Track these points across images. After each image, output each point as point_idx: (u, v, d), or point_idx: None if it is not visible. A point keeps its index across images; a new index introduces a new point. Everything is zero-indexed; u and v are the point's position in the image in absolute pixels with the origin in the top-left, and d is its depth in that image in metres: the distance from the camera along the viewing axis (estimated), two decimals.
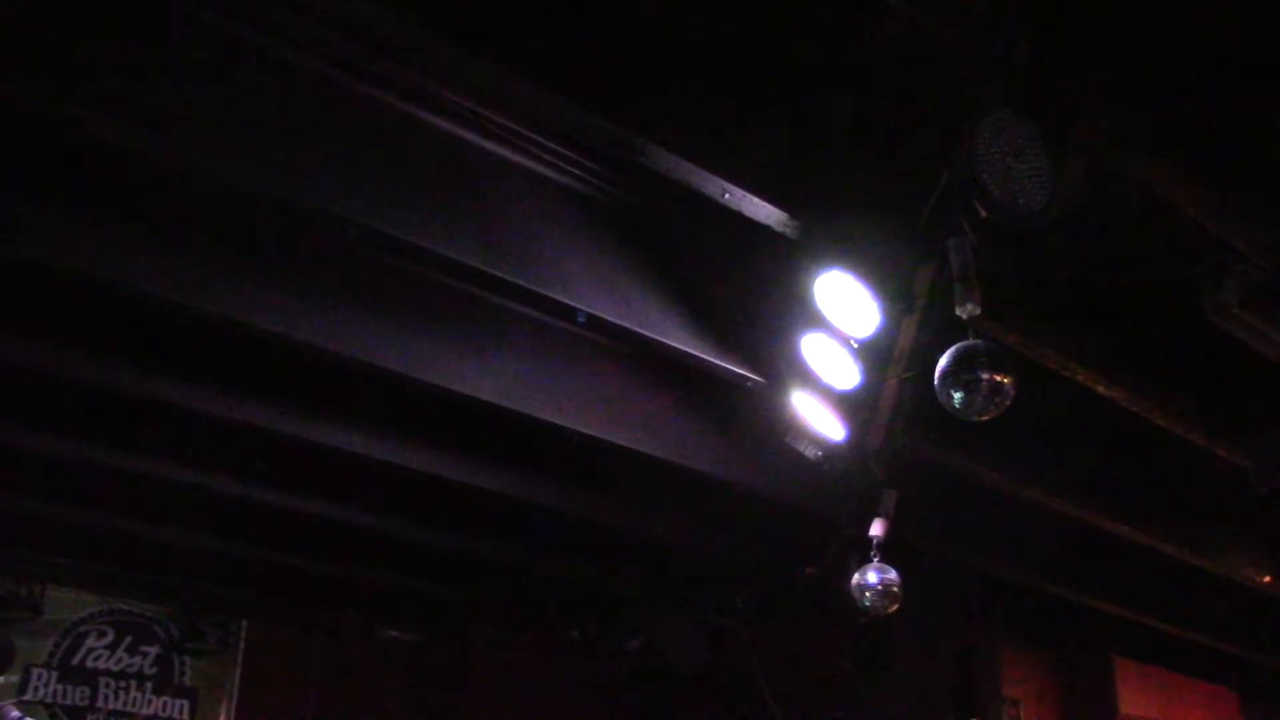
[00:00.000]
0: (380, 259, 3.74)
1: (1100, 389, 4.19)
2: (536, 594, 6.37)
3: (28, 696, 5.90)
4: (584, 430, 4.24)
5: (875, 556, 4.49)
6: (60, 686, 6.09)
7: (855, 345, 3.67)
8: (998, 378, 3.06)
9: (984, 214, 2.95)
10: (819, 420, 4.10)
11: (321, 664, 6.92)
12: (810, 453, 4.24)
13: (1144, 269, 3.80)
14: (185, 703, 6.46)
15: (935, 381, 3.15)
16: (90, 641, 6.25)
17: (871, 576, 4.47)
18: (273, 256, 3.63)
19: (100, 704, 6.18)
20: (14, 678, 5.90)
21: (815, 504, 4.78)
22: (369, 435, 4.39)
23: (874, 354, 3.73)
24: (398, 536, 5.43)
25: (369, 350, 3.80)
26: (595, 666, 6.69)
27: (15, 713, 3.01)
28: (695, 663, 6.03)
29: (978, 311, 3.17)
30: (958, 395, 3.11)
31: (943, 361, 3.13)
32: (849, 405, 3.99)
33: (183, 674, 6.50)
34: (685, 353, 3.96)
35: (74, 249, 3.30)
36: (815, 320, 3.66)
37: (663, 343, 3.92)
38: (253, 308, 3.59)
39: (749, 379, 4.10)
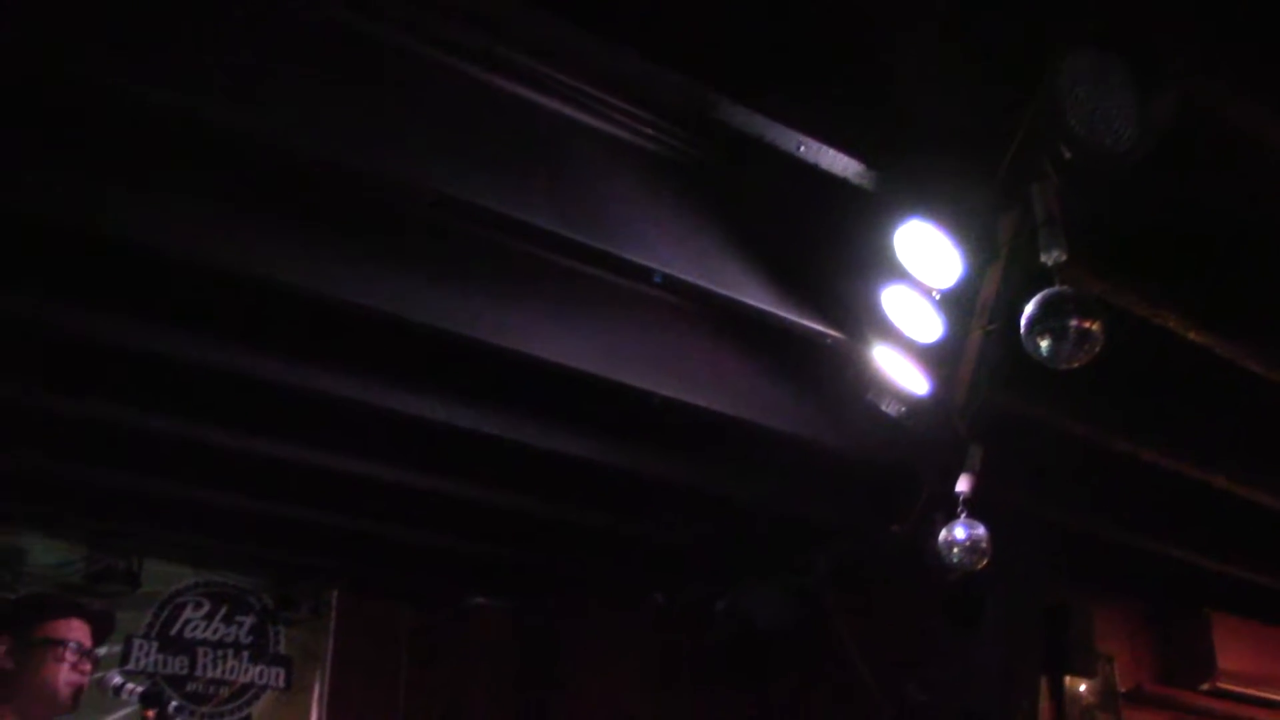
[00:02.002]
0: (453, 225, 3.75)
1: (1192, 336, 4.07)
2: (622, 559, 6.39)
3: (130, 666, 6.05)
4: (664, 393, 4.22)
5: (962, 512, 4.42)
6: (160, 656, 6.24)
7: (937, 296, 3.60)
8: (1086, 324, 2.98)
9: (1068, 156, 2.87)
10: (901, 375, 4.04)
11: (411, 632, 7.02)
12: (893, 409, 4.18)
13: (1237, 211, 3.67)
14: (281, 670, 6.59)
15: (1021, 330, 3.08)
16: (188, 613, 6.41)
17: (959, 532, 4.41)
18: (347, 227, 3.65)
19: (199, 673, 6.33)
20: (116, 648, 6.05)
21: (900, 461, 4.73)
22: (449, 403, 4.42)
23: (957, 305, 3.66)
24: (482, 503, 5.48)
25: (444, 318, 3.81)
26: (681, 630, 6.69)
27: (117, 679, 3.09)
28: (781, 624, 6.01)
29: (1063, 258, 3.08)
30: (1045, 343, 3.03)
31: (1029, 309, 3.05)
32: (932, 359, 3.92)
33: (277, 643, 6.63)
34: (763, 311, 3.91)
35: (153, 225, 3.35)
36: (895, 272, 3.60)
37: (740, 301, 3.88)
38: (329, 279, 3.61)
39: (829, 335, 4.04)
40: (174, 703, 2.94)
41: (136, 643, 6.18)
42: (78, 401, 4.41)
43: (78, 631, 3.16)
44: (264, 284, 3.57)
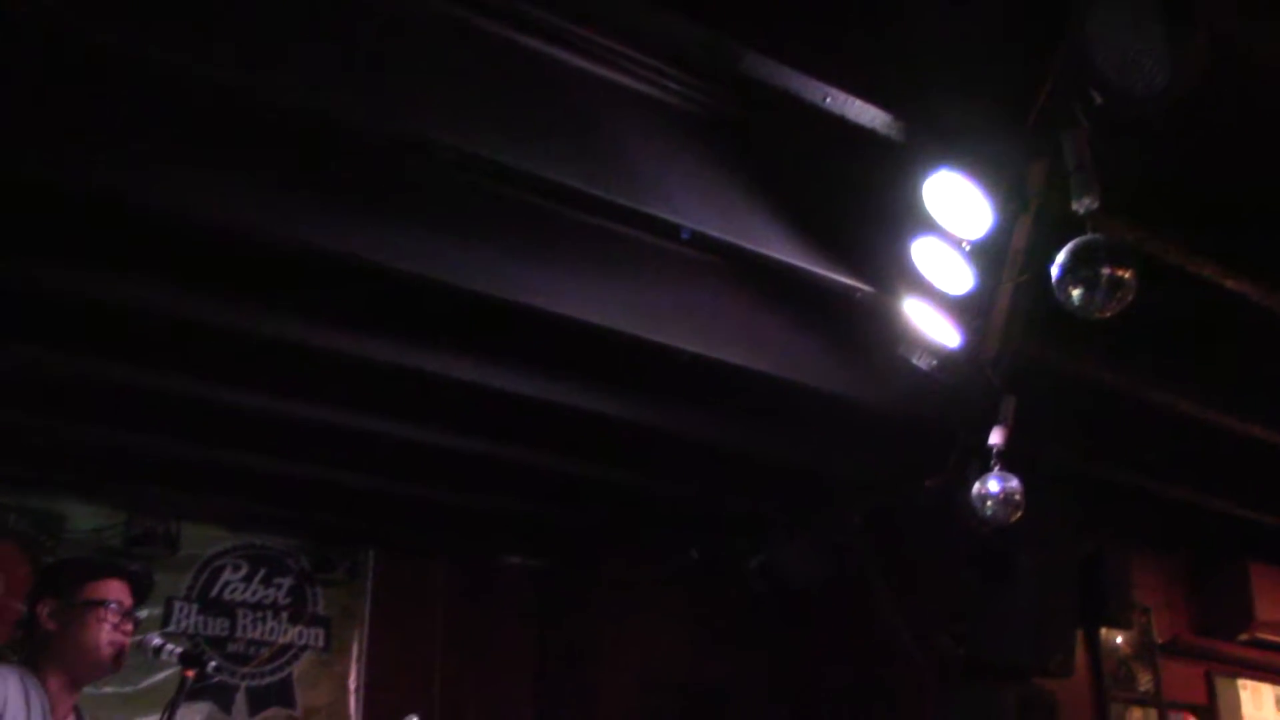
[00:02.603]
0: (478, 184, 3.74)
1: (1228, 284, 4.02)
2: (656, 517, 6.41)
3: (171, 628, 6.14)
4: (692, 350, 4.22)
5: (995, 465, 4.41)
6: (201, 618, 6.33)
7: (968, 248, 3.57)
8: (1118, 272, 2.95)
9: (1099, 101, 2.83)
10: (933, 328, 4.02)
11: (447, 591, 7.08)
12: (925, 362, 4.16)
13: (1275, 156, 3.61)
14: (320, 630, 6.67)
15: (1053, 279, 3.05)
16: (226, 575, 6.48)
17: (993, 485, 4.39)
18: (377, 192, 3.65)
19: (240, 634, 6.42)
20: (157, 610, 6.14)
21: (932, 415, 4.71)
22: (481, 363, 4.43)
23: (988, 256, 3.63)
24: (515, 463, 5.50)
25: (475, 279, 3.82)
26: (716, 586, 6.72)
27: (157, 640, 3.14)
28: (815, 579, 6.02)
29: (1095, 206, 3.05)
30: (1077, 292, 3.01)
31: (1060, 258, 3.03)
32: (963, 311, 3.89)
33: (316, 604, 6.70)
34: (791, 265, 3.89)
35: (188, 194, 3.37)
36: (925, 224, 3.57)
37: (768, 256, 3.86)
38: (362, 243, 3.62)
39: (858, 289, 4.02)
40: (213, 662, 2.97)
41: (177, 605, 6.27)
42: (115, 369, 4.46)
43: (118, 592, 3.20)
44: (299, 250, 3.59)
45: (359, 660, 6.70)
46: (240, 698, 6.28)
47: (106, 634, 3.14)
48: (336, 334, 4.16)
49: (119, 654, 3.17)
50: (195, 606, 6.33)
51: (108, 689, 5.56)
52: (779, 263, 3.90)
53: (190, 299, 3.90)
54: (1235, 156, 3.61)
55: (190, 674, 3.02)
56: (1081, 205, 3.03)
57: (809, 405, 4.70)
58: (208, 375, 4.55)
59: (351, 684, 6.64)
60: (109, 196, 3.34)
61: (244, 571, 6.53)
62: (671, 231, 3.80)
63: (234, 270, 3.87)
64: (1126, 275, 2.97)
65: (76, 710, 3.21)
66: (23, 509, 6.03)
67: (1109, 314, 3.05)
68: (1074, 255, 2.99)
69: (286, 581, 6.64)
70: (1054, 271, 3.05)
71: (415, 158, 3.60)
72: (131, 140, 3.23)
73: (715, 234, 3.76)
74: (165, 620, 6.16)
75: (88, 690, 3.25)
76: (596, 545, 6.96)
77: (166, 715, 2.92)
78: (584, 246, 3.99)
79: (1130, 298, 3.01)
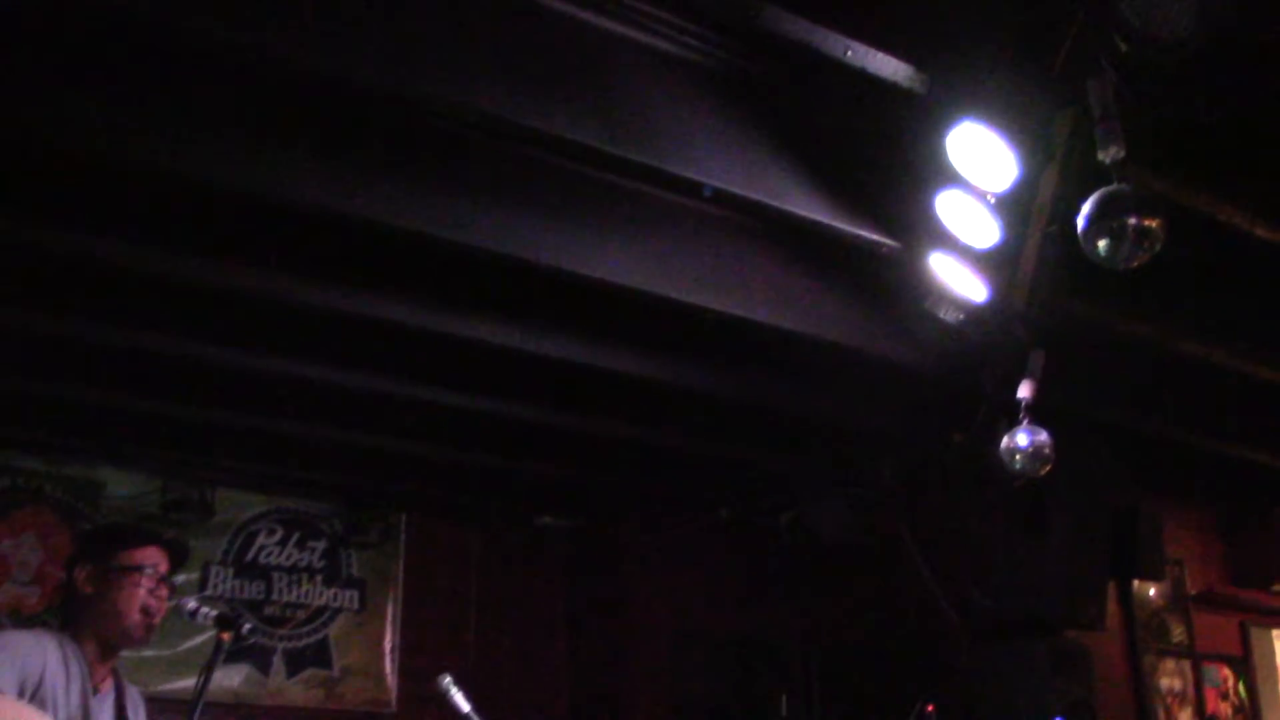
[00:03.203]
0: (504, 148, 3.74)
1: (1259, 231, 3.98)
2: (685, 476, 6.43)
3: (208, 592, 6.24)
4: (719, 308, 4.21)
5: (1024, 419, 4.39)
6: (237, 582, 6.41)
7: (993, 200, 3.55)
8: (1145, 222, 2.92)
9: (1124, 49, 2.79)
10: (959, 282, 4.00)
11: (480, 552, 7.14)
12: (951, 317, 4.15)
13: None
14: (355, 592, 6.75)
15: (1079, 230, 3.03)
16: (261, 539, 6.56)
17: (1021, 439, 4.37)
18: (400, 157, 3.65)
19: (276, 597, 6.50)
20: (194, 575, 6.23)
21: (960, 369, 4.69)
22: (508, 326, 4.44)
23: (1013, 208, 3.61)
24: (545, 425, 5.52)
25: (500, 241, 3.82)
26: (746, 544, 6.75)
27: (192, 604, 3.18)
28: (845, 535, 6.03)
29: (1121, 155, 3.01)
30: (1103, 243, 2.98)
31: (1086, 208, 3.00)
32: (989, 264, 3.87)
33: (350, 566, 6.78)
34: (816, 221, 3.88)
35: (221, 164, 3.40)
36: (949, 177, 3.55)
37: (792, 212, 3.85)
38: (388, 208, 3.63)
39: (883, 244, 4.00)
40: (248, 625, 3.01)
41: (213, 569, 6.35)
42: (150, 337, 4.50)
43: (154, 558, 3.24)
44: (330, 217, 3.61)
45: (393, 621, 6.78)
46: (277, 659, 6.37)
47: (141, 599, 3.18)
48: (366, 300, 4.18)
49: (154, 619, 3.21)
50: (231, 571, 6.41)
51: (148, 652, 5.64)
52: (803, 219, 3.88)
53: (224, 268, 3.94)
54: (1266, 103, 3.55)
55: (226, 636, 3.06)
56: (1107, 155, 3.00)
57: (836, 362, 4.70)
58: (241, 342, 4.59)
59: (387, 644, 6.72)
60: (147, 169, 3.37)
61: (278, 536, 6.61)
62: (694, 190, 3.78)
63: (266, 239, 3.89)
64: (1154, 225, 2.94)
65: (115, 673, 3.26)
66: (60, 477, 6.11)
67: (1136, 264, 3.03)
68: (1100, 205, 2.96)
69: (320, 545, 6.72)
70: (1080, 222, 3.03)
71: (438, 121, 3.60)
72: (157, 110, 3.25)
73: (738, 191, 3.75)
74: (202, 585, 6.25)
75: (128, 654, 3.30)
76: (627, 505, 6.99)
77: (203, 677, 2.97)
78: (608, 208, 3.99)
79: (1158, 247, 2.98)
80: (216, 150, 3.38)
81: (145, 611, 3.18)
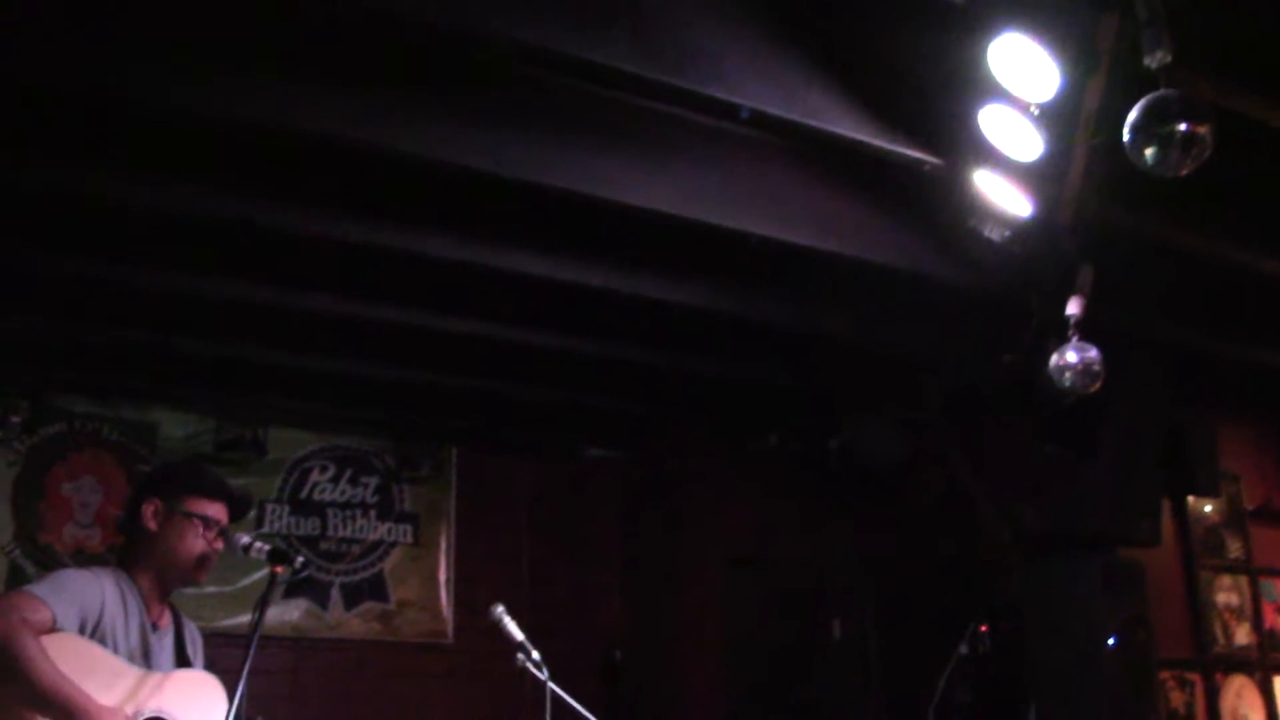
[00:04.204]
0: (534, 76, 3.70)
1: None
2: (733, 403, 6.42)
3: (264, 529, 6.35)
4: (760, 232, 4.18)
5: (1074, 335, 4.33)
6: (293, 519, 6.52)
7: (1037, 112, 3.47)
8: (1193, 128, 2.84)
9: None
10: (1003, 198, 3.93)
11: (530, 484, 7.20)
12: (997, 234, 4.09)
13: None
14: (408, 527, 6.84)
15: (1125, 139, 2.95)
16: (314, 476, 6.66)
17: (1071, 356, 4.31)
18: (439, 89, 3.64)
19: (331, 533, 6.61)
20: (251, 513, 6.34)
21: (1007, 287, 4.63)
22: (550, 257, 4.44)
23: (1058, 120, 3.52)
24: (592, 356, 5.54)
25: (539, 171, 3.81)
26: (796, 470, 6.74)
27: (245, 539, 3.22)
28: (895, 458, 6.01)
29: (1169, 59, 2.92)
30: (1150, 151, 2.91)
31: (1132, 116, 2.92)
32: (1035, 178, 3.80)
33: (403, 501, 6.87)
34: (856, 140, 3.81)
35: (269, 105, 3.41)
36: (992, 90, 3.47)
37: (832, 132, 3.79)
38: (429, 141, 3.63)
39: (926, 161, 3.93)
40: (300, 558, 3.06)
41: (269, 507, 6.47)
42: (204, 281, 4.56)
43: (218, 512, 3.29)
44: (363, 150, 3.61)
45: (448, 554, 6.88)
46: (335, 593, 6.49)
47: (199, 546, 3.23)
48: (411, 235, 4.20)
49: (207, 564, 3.27)
50: (286, 508, 6.52)
51: (209, 589, 5.78)
52: (843, 138, 3.82)
53: (275, 209, 3.98)
54: None
55: (279, 570, 3.10)
56: (1154, 60, 2.91)
57: (880, 283, 4.66)
58: (290, 282, 4.63)
59: (441, 576, 6.82)
60: (199, 114, 3.40)
61: (331, 472, 6.70)
62: (731, 112, 3.73)
63: (313, 178, 3.91)
64: (1202, 131, 2.86)
65: (172, 608, 3.33)
66: (117, 420, 6.22)
67: (1185, 172, 2.95)
68: (1146, 112, 2.88)
69: (373, 480, 6.80)
70: (1126, 131, 2.95)
71: (474, 52, 3.57)
72: (205, 52, 3.27)
73: (776, 112, 3.69)
74: (259, 523, 6.37)
75: (188, 591, 3.37)
76: (676, 433, 7.01)
77: (259, 611, 3.01)
78: (646, 134, 3.95)
79: (1206, 154, 2.90)
80: (261, 90, 3.38)
81: (202, 559, 3.24)
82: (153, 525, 3.22)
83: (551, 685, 3.26)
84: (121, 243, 4.25)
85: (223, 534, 3.30)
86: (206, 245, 4.32)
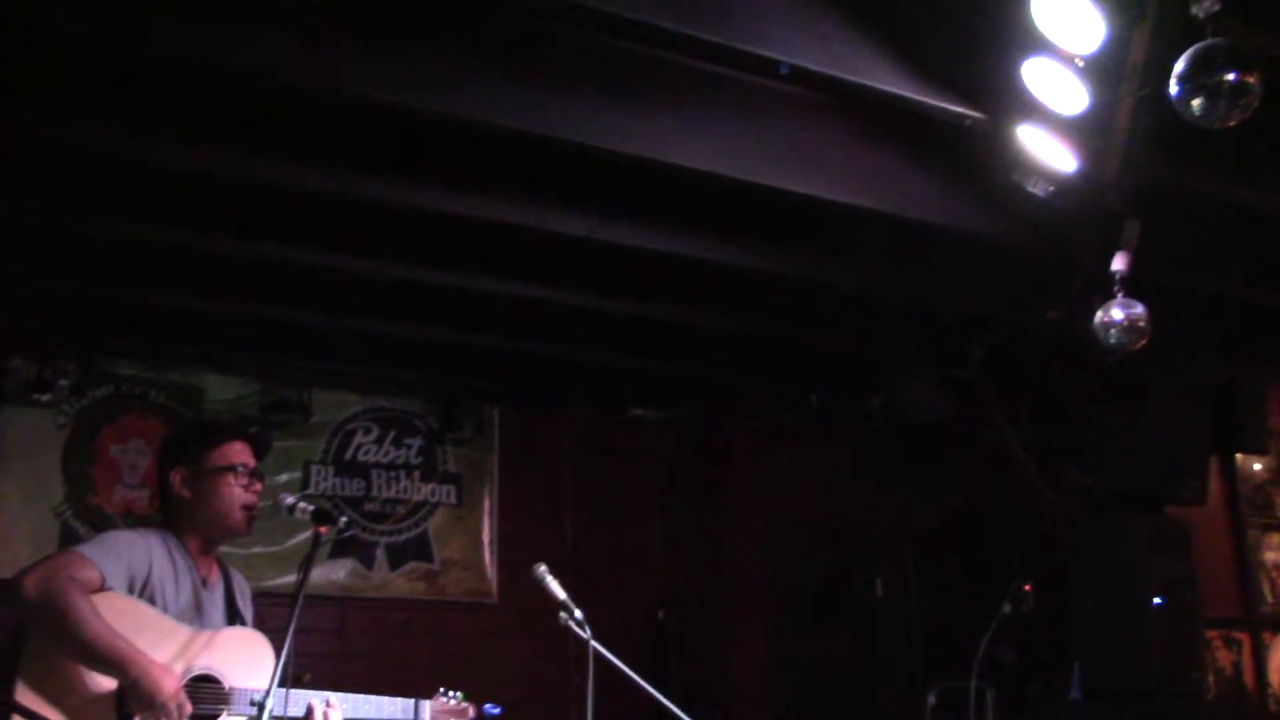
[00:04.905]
0: (577, 36, 3.68)
1: None
2: (774, 363, 6.40)
3: (310, 490, 6.41)
4: (800, 190, 4.14)
5: (1119, 292, 4.28)
6: (338, 480, 6.59)
7: (1081, 65, 3.41)
8: (1242, 77, 2.79)
9: None
10: (1048, 153, 3.88)
11: (573, 445, 7.23)
12: (1041, 189, 4.03)
13: None
14: (452, 487, 6.89)
15: (1172, 90, 2.90)
16: (359, 438, 6.71)
17: (1116, 313, 4.27)
18: (470, 46, 3.63)
19: (375, 493, 6.67)
20: (296, 475, 6.42)
21: (1051, 244, 4.57)
22: (587, 216, 4.42)
23: (1103, 72, 3.46)
24: (633, 317, 5.52)
25: (576, 129, 3.79)
26: (839, 430, 6.73)
27: (290, 499, 3.25)
28: (938, 417, 5.98)
29: (1217, 7, 2.87)
30: (1197, 102, 2.86)
31: (1179, 66, 2.87)
32: (1079, 132, 3.74)
33: (446, 461, 6.92)
34: (897, 95, 3.77)
35: (309, 65, 3.42)
36: (1035, 42, 3.41)
37: (873, 87, 3.74)
38: (460, 99, 3.62)
39: (968, 116, 3.88)
40: (344, 519, 3.08)
41: (314, 469, 6.53)
42: (248, 245, 4.59)
43: (242, 454, 3.33)
44: (407, 113, 3.61)
45: (491, 514, 6.92)
46: (380, 554, 6.56)
47: (237, 495, 3.27)
48: (451, 196, 4.20)
49: (250, 515, 3.31)
50: (331, 469, 6.58)
51: (256, 549, 5.86)
52: (884, 94, 3.78)
53: (321, 173, 3.98)
54: None
55: (323, 530, 3.13)
56: (1201, 8, 2.86)
57: (923, 241, 4.61)
58: (333, 245, 4.64)
59: (485, 537, 6.87)
60: (242, 75, 3.42)
61: (375, 434, 6.75)
62: (770, 68, 3.69)
63: (357, 141, 3.92)
64: (1251, 80, 2.80)
65: (219, 563, 3.38)
66: (164, 383, 6.30)
67: (1233, 123, 2.90)
68: (1193, 62, 2.83)
69: (416, 442, 6.85)
70: (1173, 82, 2.90)
71: (517, 13, 3.56)
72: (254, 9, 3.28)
73: (816, 67, 3.65)
74: (304, 484, 6.43)
75: (236, 551, 3.42)
76: (717, 393, 7.00)
77: (304, 571, 3.04)
78: (685, 93, 3.92)
79: (1255, 104, 2.84)
80: (306, 53, 3.39)
81: (245, 507, 3.28)
82: (185, 492, 3.26)
83: (594, 644, 3.27)
84: (167, 207, 4.28)
85: (257, 477, 3.33)
86: (253, 209, 4.34)
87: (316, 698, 3.25)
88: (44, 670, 2.88)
